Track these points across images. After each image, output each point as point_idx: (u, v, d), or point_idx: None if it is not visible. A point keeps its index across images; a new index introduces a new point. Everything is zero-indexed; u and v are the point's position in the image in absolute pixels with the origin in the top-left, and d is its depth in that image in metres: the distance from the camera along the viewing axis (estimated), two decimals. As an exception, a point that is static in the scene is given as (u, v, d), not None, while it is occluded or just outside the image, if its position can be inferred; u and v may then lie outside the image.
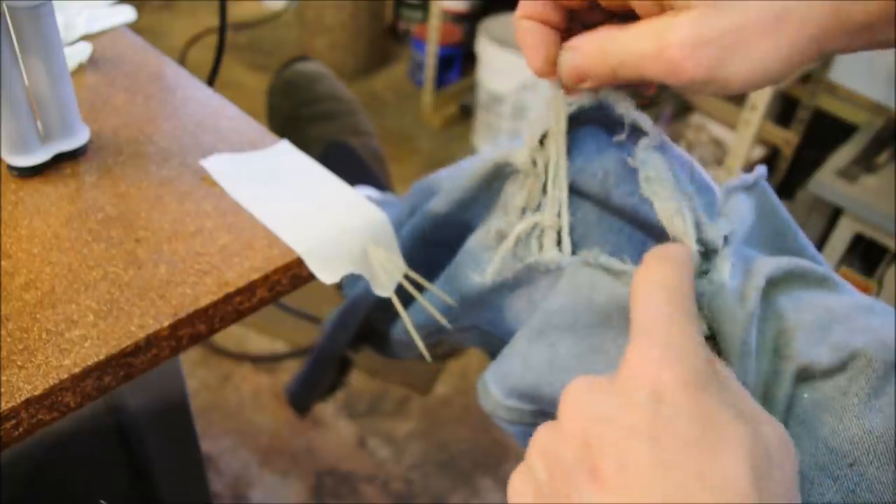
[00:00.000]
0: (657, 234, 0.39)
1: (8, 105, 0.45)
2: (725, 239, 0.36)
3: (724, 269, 0.35)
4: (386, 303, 0.55)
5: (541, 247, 0.40)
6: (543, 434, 0.28)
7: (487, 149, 0.46)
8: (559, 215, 0.40)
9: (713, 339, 0.35)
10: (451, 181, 0.47)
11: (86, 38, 0.63)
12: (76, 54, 0.60)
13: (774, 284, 0.36)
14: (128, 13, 0.66)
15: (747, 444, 0.24)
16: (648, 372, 0.26)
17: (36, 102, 0.48)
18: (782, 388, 0.34)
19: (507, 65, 1.82)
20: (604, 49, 0.33)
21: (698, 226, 0.36)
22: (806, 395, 0.34)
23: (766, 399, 0.34)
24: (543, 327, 0.40)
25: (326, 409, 1.34)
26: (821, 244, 1.47)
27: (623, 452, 0.25)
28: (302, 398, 0.71)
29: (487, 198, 0.45)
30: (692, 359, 0.26)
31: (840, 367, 0.33)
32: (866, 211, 1.32)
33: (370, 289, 0.53)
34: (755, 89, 0.31)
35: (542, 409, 0.43)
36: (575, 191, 0.40)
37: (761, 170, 0.38)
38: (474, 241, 0.46)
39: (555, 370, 0.39)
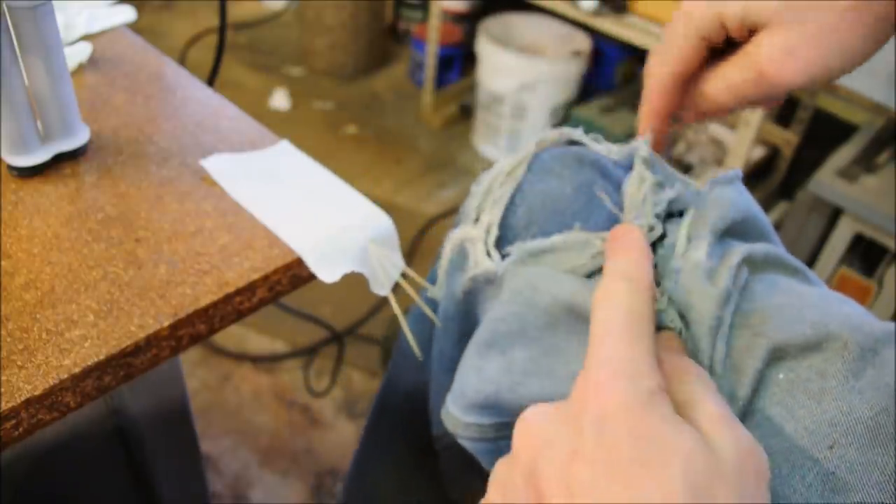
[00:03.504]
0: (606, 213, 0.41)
1: (8, 105, 0.45)
2: (680, 213, 0.39)
3: (701, 248, 0.36)
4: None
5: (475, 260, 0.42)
6: (500, 465, 0.29)
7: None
8: (487, 232, 0.42)
9: (682, 319, 0.36)
10: None
11: (86, 38, 0.63)
12: (76, 54, 0.60)
13: (751, 269, 0.37)
14: (128, 13, 0.66)
15: (686, 455, 0.24)
16: (594, 396, 0.27)
17: (36, 102, 0.48)
18: (753, 363, 0.34)
19: (507, 65, 1.82)
20: (710, 92, 0.39)
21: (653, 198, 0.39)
22: (782, 376, 0.34)
23: (735, 372, 0.34)
24: (492, 337, 0.40)
25: (326, 409, 1.34)
26: (821, 244, 1.47)
27: (566, 475, 0.25)
28: None
29: None
30: (639, 380, 0.27)
31: (815, 346, 0.34)
32: (866, 211, 1.32)
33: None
34: (853, 70, 0.35)
35: (505, 421, 0.42)
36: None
37: (737, 171, 0.40)
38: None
39: (513, 376, 0.39)
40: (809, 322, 0.34)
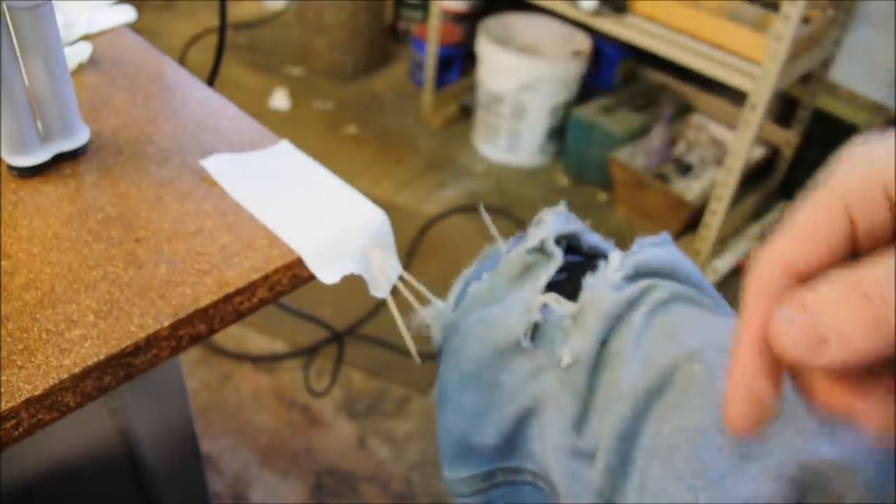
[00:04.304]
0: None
1: (8, 105, 0.45)
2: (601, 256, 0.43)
3: (619, 273, 0.40)
4: None
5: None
6: None
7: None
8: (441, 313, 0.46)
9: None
10: None
11: (86, 38, 0.63)
12: (76, 54, 0.60)
13: (672, 297, 0.41)
14: (128, 13, 0.66)
15: None
16: None
17: (36, 102, 0.48)
18: (667, 356, 0.38)
19: (507, 65, 1.82)
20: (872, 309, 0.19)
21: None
22: (696, 368, 0.38)
23: (645, 363, 0.38)
24: (440, 393, 0.44)
25: (326, 409, 1.34)
26: (821, 244, 1.47)
27: None
28: None
29: None
30: None
31: (724, 346, 0.37)
32: (866, 211, 1.32)
33: None
34: None
35: (490, 470, 0.45)
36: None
37: (665, 235, 0.44)
38: None
39: (467, 418, 0.43)
40: (720, 331, 0.38)
